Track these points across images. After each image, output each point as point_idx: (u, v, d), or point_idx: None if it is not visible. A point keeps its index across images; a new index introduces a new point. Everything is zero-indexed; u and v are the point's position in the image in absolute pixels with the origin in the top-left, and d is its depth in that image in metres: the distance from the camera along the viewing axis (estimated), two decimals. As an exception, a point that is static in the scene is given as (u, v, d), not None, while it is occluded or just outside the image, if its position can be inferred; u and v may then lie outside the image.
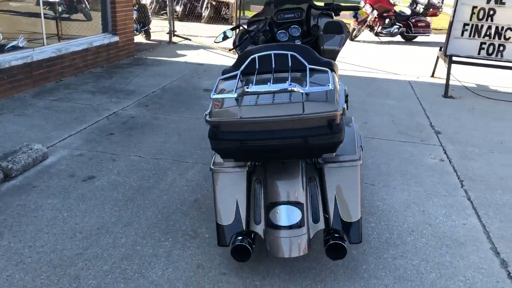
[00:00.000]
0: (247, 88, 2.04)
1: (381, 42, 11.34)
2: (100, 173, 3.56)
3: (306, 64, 2.25)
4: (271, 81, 2.15)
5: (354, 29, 11.11)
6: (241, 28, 3.61)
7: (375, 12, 10.83)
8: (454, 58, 6.67)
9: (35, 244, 2.65)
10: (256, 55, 2.31)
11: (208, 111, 2.17)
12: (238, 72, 2.26)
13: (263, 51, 2.31)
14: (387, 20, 11.10)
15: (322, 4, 3.49)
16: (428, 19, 11.53)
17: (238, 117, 2.08)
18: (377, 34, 11.19)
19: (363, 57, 9.19)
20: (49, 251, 2.60)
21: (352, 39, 11.22)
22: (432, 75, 7.69)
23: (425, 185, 3.64)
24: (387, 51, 10.17)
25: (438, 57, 7.50)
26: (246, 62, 2.29)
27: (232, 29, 3.60)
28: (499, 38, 6.63)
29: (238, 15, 8.26)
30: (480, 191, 3.60)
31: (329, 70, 2.26)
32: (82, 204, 3.10)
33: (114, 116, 4.86)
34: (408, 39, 11.64)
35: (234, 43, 3.67)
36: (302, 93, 2.04)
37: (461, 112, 5.75)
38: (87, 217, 2.95)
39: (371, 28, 11.19)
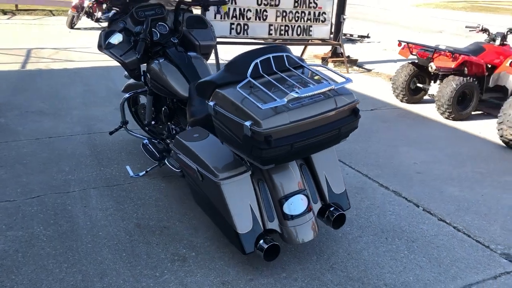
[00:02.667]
0: (297, 93, 2.12)
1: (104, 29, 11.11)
2: (-14, 234, 2.73)
3: (301, 62, 2.44)
4: (290, 81, 2.27)
5: (73, 17, 10.53)
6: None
7: (92, -3, 10.52)
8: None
9: None
10: (258, 60, 2.33)
11: (249, 122, 2.11)
12: (249, 78, 2.25)
13: (258, 55, 2.35)
14: (104, 5, 10.90)
15: None
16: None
17: (288, 121, 2.14)
18: (97, 20, 10.89)
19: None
20: None
21: (71, 27, 10.63)
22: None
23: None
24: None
25: (191, 39, 8.06)
26: (251, 68, 2.30)
27: (120, 31, 3.24)
28: (243, 19, 7.67)
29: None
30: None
31: (325, 66, 2.52)
32: (16, 276, 2.39)
33: None
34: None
35: (106, 45, 3.31)
36: (331, 89, 2.26)
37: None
38: (42, 285, 2.33)
39: (90, 15, 10.81)
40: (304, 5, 8.16)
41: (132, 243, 2.74)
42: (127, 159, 3.88)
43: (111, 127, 4.47)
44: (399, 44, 6.18)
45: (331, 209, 2.69)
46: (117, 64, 3.42)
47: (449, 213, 3.32)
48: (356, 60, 8.79)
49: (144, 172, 3.61)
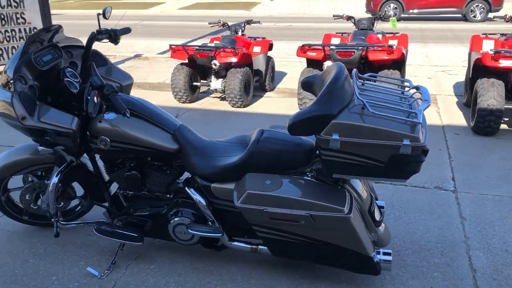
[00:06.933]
0: (426, 101, 2.22)
1: None
2: None
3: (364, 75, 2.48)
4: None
5: None
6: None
7: None
8: None
9: None
10: (356, 80, 2.22)
11: (407, 140, 2.08)
12: (364, 101, 2.17)
13: (343, 75, 2.25)
14: None
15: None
16: None
17: (424, 129, 2.22)
18: None
19: None
20: None
21: None
22: None
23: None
24: None
25: None
26: (356, 88, 2.20)
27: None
28: None
29: None
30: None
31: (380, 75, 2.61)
32: None
33: None
34: None
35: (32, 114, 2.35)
36: None
37: None
38: None
39: None
40: (12, 22, 6.91)
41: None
42: (56, 262, 2.75)
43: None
44: (171, 48, 6.20)
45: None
46: None
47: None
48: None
49: (111, 264, 2.70)
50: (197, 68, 6.38)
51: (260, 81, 6.88)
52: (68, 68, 2.62)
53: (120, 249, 2.77)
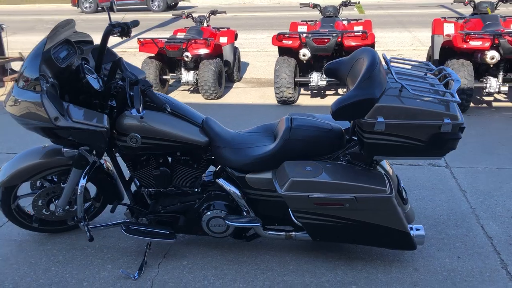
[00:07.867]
0: (458, 80, 2.32)
1: None
2: None
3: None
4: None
5: None
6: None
7: None
8: None
9: None
10: (390, 63, 2.29)
11: (447, 119, 2.18)
12: (401, 82, 2.24)
13: (377, 58, 2.31)
14: None
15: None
16: None
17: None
18: None
19: None
20: None
21: None
22: None
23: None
24: None
25: None
26: (394, 71, 2.28)
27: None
28: None
29: None
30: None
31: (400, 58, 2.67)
32: None
33: None
34: None
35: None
36: None
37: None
38: None
39: None
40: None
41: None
42: (81, 267, 2.63)
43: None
44: (139, 42, 6.02)
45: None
46: None
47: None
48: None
49: (143, 264, 2.63)
50: (164, 61, 6.25)
51: (228, 72, 6.84)
52: (85, 65, 2.50)
53: (148, 248, 2.70)
